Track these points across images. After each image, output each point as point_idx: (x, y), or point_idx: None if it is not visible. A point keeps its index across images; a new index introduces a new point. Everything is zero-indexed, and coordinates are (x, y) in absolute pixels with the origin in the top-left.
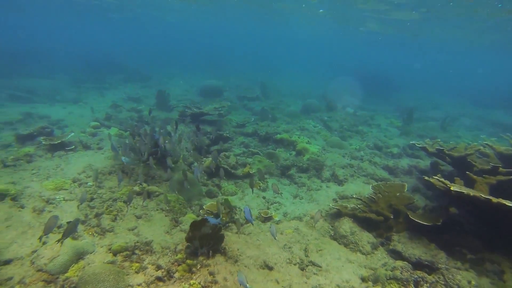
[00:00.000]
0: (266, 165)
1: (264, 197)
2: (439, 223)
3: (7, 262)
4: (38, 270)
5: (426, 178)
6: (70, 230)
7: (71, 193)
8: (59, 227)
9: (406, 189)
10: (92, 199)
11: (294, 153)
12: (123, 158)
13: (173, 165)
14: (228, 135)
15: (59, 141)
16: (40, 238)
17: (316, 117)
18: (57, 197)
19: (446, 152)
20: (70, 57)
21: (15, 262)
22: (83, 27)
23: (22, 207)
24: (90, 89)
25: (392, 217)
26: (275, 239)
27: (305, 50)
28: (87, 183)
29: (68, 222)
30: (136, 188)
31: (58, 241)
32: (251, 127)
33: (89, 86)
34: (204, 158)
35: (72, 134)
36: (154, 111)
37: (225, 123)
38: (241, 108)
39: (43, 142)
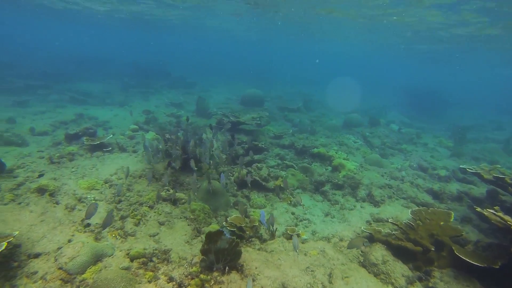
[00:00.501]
0: (299, 179)
1: (293, 213)
2: (497, 266)
3: (36, 255)
4: (59, 268)
5: (479, 209)
6: (107, 222)
7: (101, 193)
8: (86, 226)
9: (452, 218)
10: (119, 201)
11: (330, 168)
12: (146, 159)
13: (195, 168)
14: (263, 145)
15: (98, 142)
16: (82, 221)
17: (357, 132)
18: (89, 196)
19: (509, 181)
20: (124, 64)
21: (42, 257)
22: (138, 36)
23: (57, 203)
24: (137, 94)
25: (433, 249)
26: (296, 251)
27: (354, 65)
28: (117, 185)
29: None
30: (163, 194)
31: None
32: (288, 139)
33: (136, 90)
34: (237, 169)
35: (111, 136)
36: (193, 118)
37: (262, 133)
38: (280, 119)
39: (85, 142)
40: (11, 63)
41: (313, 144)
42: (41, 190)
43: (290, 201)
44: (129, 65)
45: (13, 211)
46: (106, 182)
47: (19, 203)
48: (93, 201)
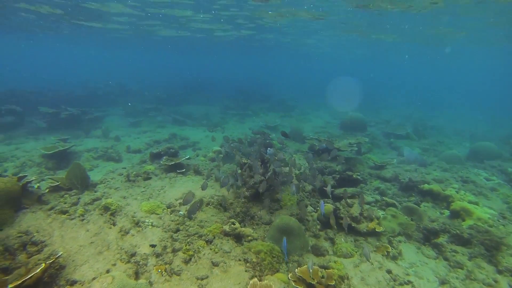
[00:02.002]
0: (402, 222)
1: (390, 271)
2: None
3: (73, 283)
4: None
5: None
6: (193, 210)
7: (160, 218)
8: (131, 255)
9: None
10: (177, 230)
11: (447, 213)
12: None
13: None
14: (359, 176)
15: (172, 163)
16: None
17: (492, 166)
18: (147, 220)
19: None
20: (228, 87)
21: (76, 286)
22: (244, 60)
23: (114, 224)
24: (233, 116)
25: None
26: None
27: (478, 83)
28: (179, 211)
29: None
30: (226, 228)
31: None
32: (392, 170)
33: (234, 113)
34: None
35: (187, 157)
36: (286, 142)
37: (361, 162)
38: (385, 146)
39: (161, 162)
40: (138, 90)
41: (424, 178)
42: (106, 208)
43: (387, 252)
44: (232, 88)
45: (74, 227)
46: (168, 207)
47: (83, 220)
48: (150, 227)
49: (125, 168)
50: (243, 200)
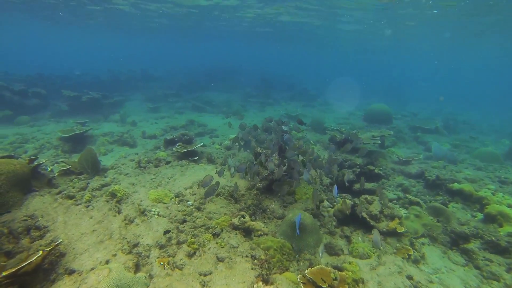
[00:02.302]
0: (426, 223)
1: (411, 277)
2: None
3: (71, 272)
4: None
5: None
6: (210, 192)
7: (167, 208)
8: (133, 245)
9: None
10: (184, 222)
11: (480, 216)
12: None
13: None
14: (381, 171)
15: (185, 150)
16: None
17: None
18: (153, 209)
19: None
20: (251, 75)
21: (74, 276)
22: (268, 49)
23: (119, 212)
24: (254, 103)
25: None
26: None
27: None
28: (187, 201)
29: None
30: (235, 221)
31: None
32: (417, 166)
33: (255, 100)
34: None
35: (201, 144)
36: (307, 132)
37: (384, 156)
38: (411, 140)
39: (174, 150)
40: (160, 77)
41: (454, 176)
42: (113, 195)
43: (409, 254)
44: (256, 76)
45: (78, 213)
46: (176, 196)
47: (88, 206)
48: (156, 217)
49: (137, 154)
50: (255, 192)
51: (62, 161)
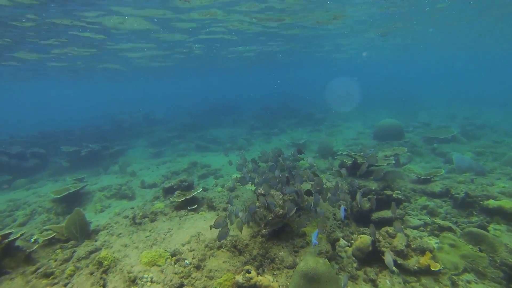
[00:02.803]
0: (465, 254)
1: None
2: None
3: None
4: None
5: None
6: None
7: (161, 271)
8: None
9: None
10: (181, 286)
11: None
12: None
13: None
14: (400, 195)
15: (182, 199)
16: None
17: None
18: (145, 275)
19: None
20: (255, 106)
21: None
22: (271, 78)
23: (104, 286)
24: (259, 136)
25: None
26: None
27: None
28: (185, 259)
29: None
30: (239, 279)
31: None
32: (440, 183)
33: (260, 132)
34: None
35: (200, 190)
36: (315, 161)
37: (401, 175)
38: (428, 153)
39: (170, 200)
40: (163, 119)
41: (487, 191)
42: (100, 264)
43: None
44: (259, 107)
45: None
46: (173, 255)
47: (66, 284)
48: (149, 284)
49: (133, 208)
50: (260, 239)
51: (49, 228)
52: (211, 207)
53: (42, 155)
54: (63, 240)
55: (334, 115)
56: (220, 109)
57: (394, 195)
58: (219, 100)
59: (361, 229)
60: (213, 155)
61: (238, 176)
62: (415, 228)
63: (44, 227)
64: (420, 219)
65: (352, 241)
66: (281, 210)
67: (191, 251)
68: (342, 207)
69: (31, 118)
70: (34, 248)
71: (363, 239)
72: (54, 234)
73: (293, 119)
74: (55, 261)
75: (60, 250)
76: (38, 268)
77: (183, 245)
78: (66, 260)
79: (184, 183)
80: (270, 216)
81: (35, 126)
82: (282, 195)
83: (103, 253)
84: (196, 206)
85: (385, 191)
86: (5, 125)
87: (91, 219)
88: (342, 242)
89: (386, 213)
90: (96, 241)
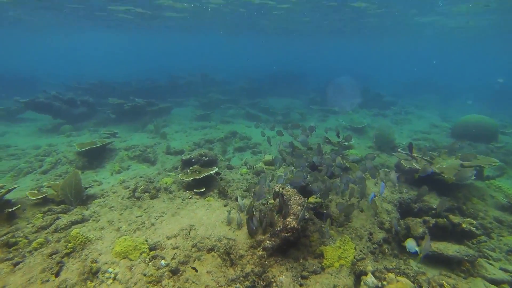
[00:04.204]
0: None
1: None
2: None
3: None
4: None
5: None
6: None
7: (130, 269)
8: None
9: None
10: None
11: None
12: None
13: None
14: (473, 227)
15: (190, 179)
16: None
17: None
18: (110, 270)
19: None
20: (320, 78)
21: None
22: (340, 49)
23: (57, 274)
24: (316, 112)
25: None
26: None
27: None
28: (162, 258)
29: None
30: None
31: None
32: None
33: (317, 108)
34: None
35: (216, 170)
36: (369, 151)
37: (481, 194)
38: None
39: (179, 176)
40: (222, 81)
41: None
42: (67, 243)
43: None
44: (325, 79)
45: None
46: (151, 249)
47: (17, 264)
48: (111, 281)
49: (141, 176)
50: (260, 252)
51: (50, 185)
52: (223, 194)
53: (91, 104)
54: (57, 202)
55: (407, 100)
56: (283, 77)
57: (464, 226)
58: (283, 68)
59: (404, 257)
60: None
61: (268, 157)
62: (495, 282)
63: (44, 184)
64: (504, 270)
65: (385, 283)
66: (293, 223)
67: (174, 248)
68: (382, 183)
69: (99, 68)
70: (17, 207)
71: (401, 285)
72: (46, 194)
73: (360, 98)
74: (32, 227)
75: (40, 214)
76: (6, 234)
77: (168, 239)
78: (43, 228)
79: (204, 157)
80: (279, 224)
81: (101, 75)
82: (301, 201)
83: (74, 231)
84: (204, 189)
85: (449, 216)
86: (77, 73)
87: (105, 180)
88: (370, 279)
89: (447, 248)
90: (87, 209)
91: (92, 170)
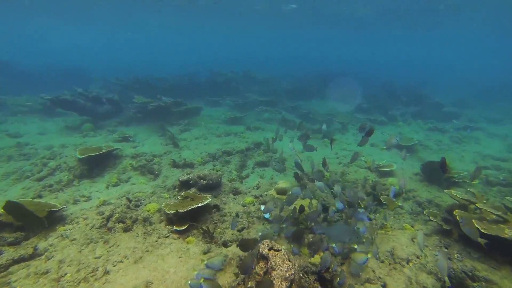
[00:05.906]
0: None
1: None
2: None
3: None
4: None
5: None
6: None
7: None
8: None
9: None
10: None
11: None
12: None
13: None
14: None
15: (172, 212)
16: None
17: None
18: None
19: None
20: (375, 81)
21: None
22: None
23: None
24: (360, 121)
25: None
26: None
27: None
28: None
29: None
30: None
31: None
32: None
33: (363, 117)
34: None
35: (208, 201)
36: (413, 183)
37: None
38: None
39: (162, 207)
40: (265, 79)
41: None
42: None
43: None
44: (378, 82)
45: None
46: None
47: None
48: None
49: (127, 197)
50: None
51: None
52: (208, 234)
53: (115, 102)
54: (15, 227)
55: (476, 111)
56: (333, 77)
57: None
58: (334, 68)
59: None
60: (292, 134)
61: (283, 184)
62: None
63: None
64: None
65: None
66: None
67: None
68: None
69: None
70: None
71: None
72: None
73: (413, 107)
74: None
75: None
76: None
77: None
78: None
79: (202, 180)
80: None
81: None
82: (290, 274)
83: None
84: (186, 226)
85: None
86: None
87: (97, 193)
88: None
89: None
90: (46, 240)
91: (90, 179)
